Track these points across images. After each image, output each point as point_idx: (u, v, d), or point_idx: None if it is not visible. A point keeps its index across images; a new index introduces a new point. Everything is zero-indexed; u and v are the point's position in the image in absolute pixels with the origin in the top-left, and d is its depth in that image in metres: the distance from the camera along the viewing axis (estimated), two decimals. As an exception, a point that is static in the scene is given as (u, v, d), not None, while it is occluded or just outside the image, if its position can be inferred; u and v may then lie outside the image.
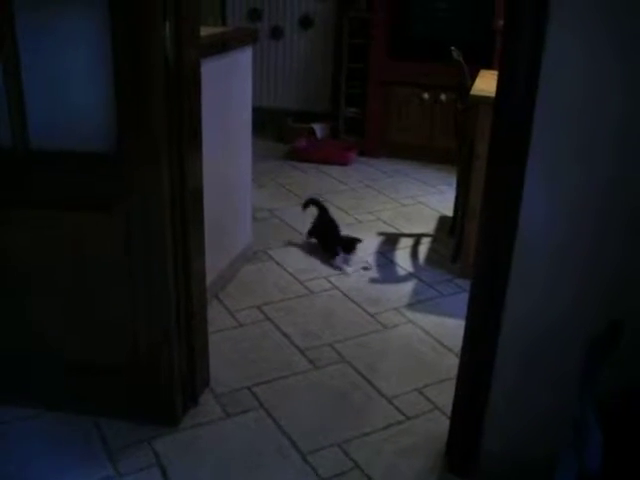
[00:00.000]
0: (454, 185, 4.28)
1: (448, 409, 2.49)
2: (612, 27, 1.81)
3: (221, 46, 3.13)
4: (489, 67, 4.36)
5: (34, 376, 2.55)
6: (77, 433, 2.47)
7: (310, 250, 4.05)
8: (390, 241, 4.24)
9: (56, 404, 2.55)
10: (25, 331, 2.50)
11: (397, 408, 2.69)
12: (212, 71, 2.85)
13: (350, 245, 3.88)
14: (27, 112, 2.20)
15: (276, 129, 6.20)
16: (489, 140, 2.07)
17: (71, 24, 2.13)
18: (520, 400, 2.22)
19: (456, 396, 2.38)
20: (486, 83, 3.61)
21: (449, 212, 4.48)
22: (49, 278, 2.40)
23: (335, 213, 4.27)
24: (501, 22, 4.73)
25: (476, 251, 2.19)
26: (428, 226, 4.50)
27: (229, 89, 3.36)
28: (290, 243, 4.11)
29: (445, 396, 2.65)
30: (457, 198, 4.19)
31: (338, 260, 3.84)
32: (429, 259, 4.03)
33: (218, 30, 3.54)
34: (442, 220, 4.58)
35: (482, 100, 3.38)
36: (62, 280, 2.40)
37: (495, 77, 2.03)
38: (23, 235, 2.36)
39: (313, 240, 4.10)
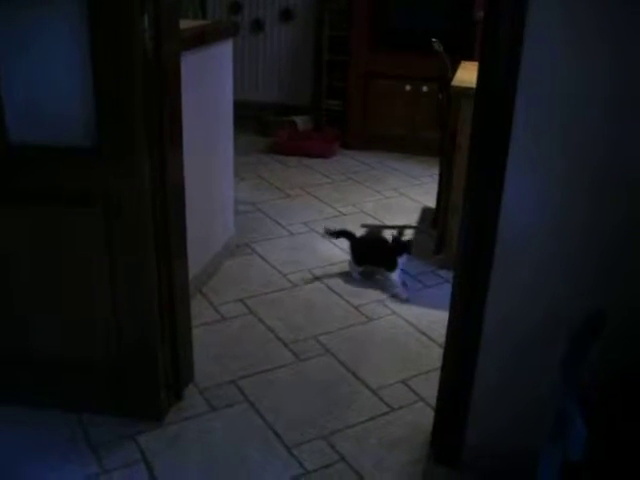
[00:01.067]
0: (437, 177, 4.29)
1: (433, 400, 2.50)
2: (594, 11, 1.81)
3: (201, 39, 3.11)
4: (470, 58, 4.36)
5: (15, 374, 2.53)
6: (61, 431, 2.46)
7: (294, 243, 4.04)
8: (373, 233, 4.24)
9: (38, 402, 2.53)
10: (6, 328, 2.48)
11: (382, 400, 2.70)
12: (192, 64, 2.84)
13: (405, 245, 3.62)
14: (4, 106, 2.17)
15: (257, 122, 6.19)
16: (470, 131, 2.07)
17: (48, 16, 2.11)
18: (504, 391, 2.23)
19: (440, 388, 2.38)
20: (467, 74, 3.61)
21: (432, 204, 4.49)
22: (28, 273, 2.38)
23: (318, 206, 4.27)
24: (481, 13, 4.76)
25: (458, 243, 2.19)
26: (411, 218, 4.50)
27: (210, 82, 3.34)
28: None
29: (430, 387, 2.66)
30: (440, 190, 4.19)
31: (399, 286, 3.57)
32: (412, 251, 4.02)
33: (198, 23, 3.53)
34: (425, 212, 4.59)
35: (463, 91, 3.39)
36: (41, 276, 2.38)
37: (476, 68, 2.03)
38: (2, 229, 2.34)
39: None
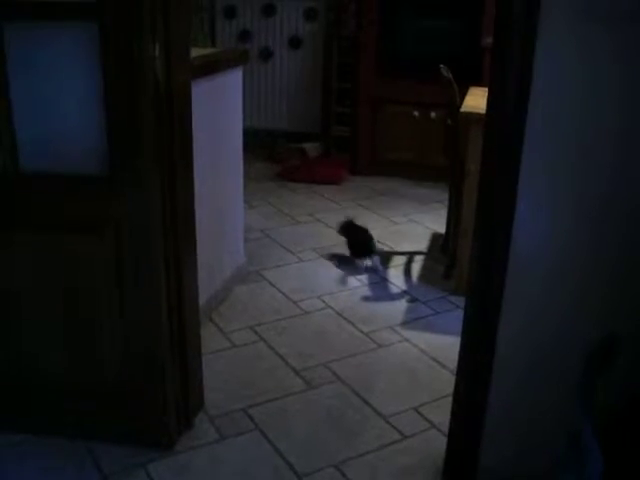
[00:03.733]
0: (446, 202, 4.28)
1: (445, 427, 2.47)
2: (604, 37, 1.81)
3: (211, 67, 3.13)
4: (478, 84, 4.37)
5: (24, 401, 2.52)
6: (70, 459, 2.44)
7: (303, 270, 4.04)
8: (383, 259, 4.23)
9: (47, 430, 2.52)
10: (15, 356, 2.48)
11: (393, 427, 2.67)
12: (203, 92, 2.85)
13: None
14: (17, 135, 2.19)
15: (267, 150, 6.21)
16: (481, 157, 2.07)
17: (61, 46, 2.13)
18: (517, 416, 2.21)
19: (453, 414, 2.36)
20: (476, 100, 3.62)
21: (441, 230, 4.48)
22: (39, 301, 2.38)
23: (327, 232, 4.27)
24: (489, 39, 4.78)
25: (470, 269, 2.18)
26: (421, 244, 4.50)
27: (220, 110, 3.36)
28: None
29: (442, 414, 2.64)
30: (449, 215, 4.19)
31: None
32: (422, 277, 4.02)
33: (208, 51, 3.55)
34: (435, 237, 4.58)
35: (472, 117, 3.39)
36: (52, 304, 2.38)
37: (485, 94, 2.04)
38: (12, 258, 2.35)
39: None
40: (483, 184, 2.07)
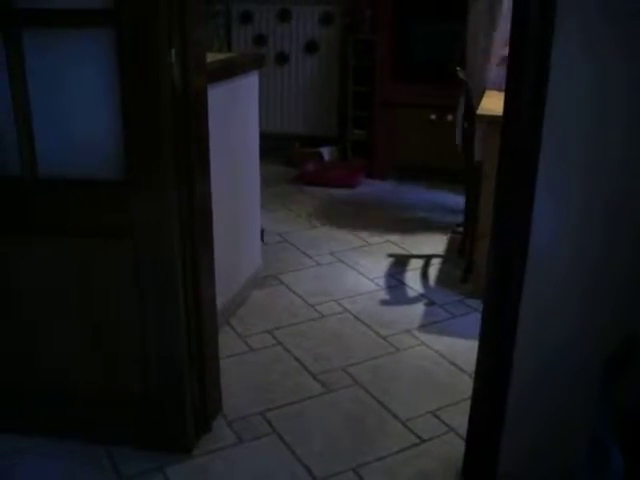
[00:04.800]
0: (463, 205, 4.27)
1: (463, 431, 2.46)
2: (619, 37, 1.80)
3: (228, 72, 3.14)
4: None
5: (43, 406, 2.53)
6: (89, 462, 2.45)
7: (321, 273, 4.04)
8: (400, 263, 4.23)
9: (66, 433, 2.53)
10: (34, 360, 2.49)
11: (412, 431, 2.66)
12: (219, 97, 2.86)
13: None
14: (35, 140, 2.21)
15: (284, 154, 6.22)
16: (498, 160, 2.06)
17: (79, 53, 2.15)
18: (535, 419, 2.20)
19: (471, 418, 2.35)
20: (492, 103, 3.61)
21: (458, 232, 4.47)
22: (57, 306, 2.40)
23: (344, 236, 4.27)
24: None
25: (487, 272, 2.17)
26: (437, 247, 4.49)
27: (236, 114, 3.36)
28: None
29: (460, 418, 2.62)
30: (466, 218, 4.18)
31: None
32: (439, 280, 4.01)
33: (224, 56, 3.56)
34: (451, 240, 4.56)
35: (489, 120, 3.38)
36: (69, 307, 2.39)
37: (501, 97, 2.03)
38: (30, 261, 2.36)
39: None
40: (500, 187, 2.06)
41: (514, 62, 1.93)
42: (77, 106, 2.20)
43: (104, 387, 2.48)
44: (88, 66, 2.16)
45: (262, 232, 4.01)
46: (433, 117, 5.59)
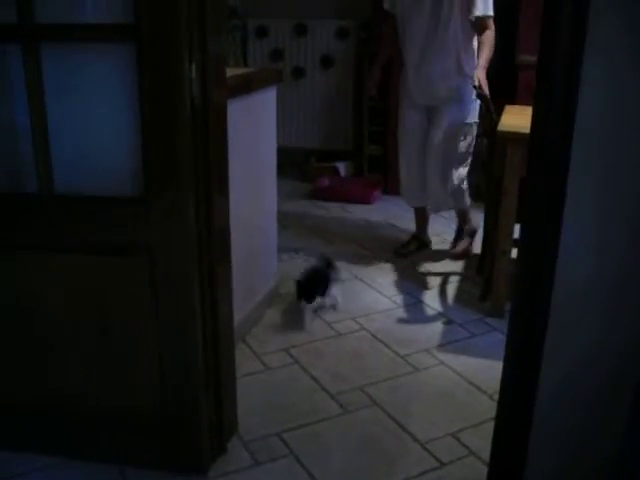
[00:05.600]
0: (481, 222, 4.22)
1: (484, 454, 2.41)
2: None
3: (246, 87, 3.12)
4: (512, 102, 4.33)
5: (51, 422, 2.49)
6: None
7: (338, 291, 3.99)
8: (418, 280, 4.17)
9: (79, 453, 2.50)
10: (48, 378, 2.46)
11: (431, 454, 2.61)
12: (237, 111, 2.83)
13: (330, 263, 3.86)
14: (52, 157, 2.18)
15: (299, 169, 6.19)
16: (525, 178, 2.01)
17: (98, 68, 2.13)
18: (564, 447, 2.14)
19: (494, 443, 2.28)
20: (513, 118, 3.57)
21: (477, 250, 4.41)
22: (71, 323, 2.36)
23: (360, 252, 4.24)
24: (524, 57, 4.72)
25: (513, 295, 2.12)
26: (456, 265, 4.43)
27: (254, 129, 3.34)
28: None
29: (480, 440, 2.58)
30: (485, 235, 4.13)
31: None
32: (458, 298, 3.95)
33: (242, 71, 3.53)
34: (470, 258, 4.51)
35: (511, 136, 3.34)
36: (84, 326, 2.36)
37: (521, 112, 1.98)
38: (45, 278, 2.33)
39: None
40: (527, 206, 2.01)
41: (543, 75, 1.88)
42: (95, 122, 2.18)
43: (119, 406, 2.44)
44: (107, 81, 2.14)
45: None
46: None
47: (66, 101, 2.16)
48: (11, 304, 2.39)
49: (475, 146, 4.27)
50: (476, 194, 4.58)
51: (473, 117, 4.11)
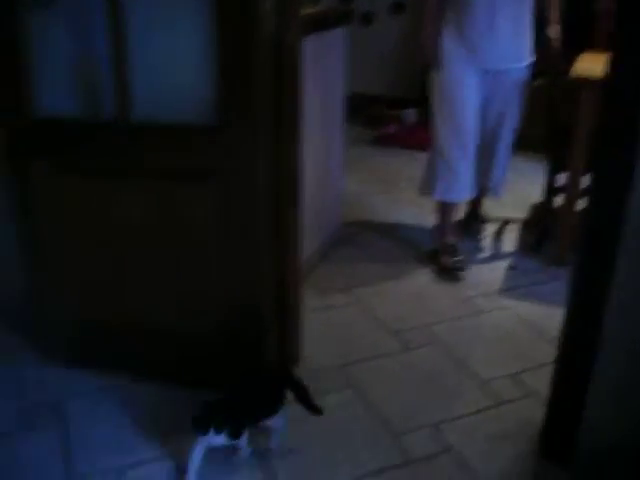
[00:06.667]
0: (541, 172, 4.17)
1: (542, 395, 2.44)
2: None
3: (319, 25, 3.12)
4: (588, 50, 4.22)
5: (127, 344, 2.61)
6: (171, 402, 2.51)
7: (398, 234, 4.02)
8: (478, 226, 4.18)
9: (146, 373, 2.61)
10: (123, 295, 2.56)
11: (490, 392, 2.65)
12: (309, 50, 2.84)
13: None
14: (131, 85, 2.22)
15: (364, 114, 6.17)
16: (597, 123, 2.00)
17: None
18: (623, 390, 2.14)
19: (554, 383, 2.31)
20: (587, 65, 3.49)
21: (537, 199, 4.37)
22: (147, 246, 2.44)
23: (422, 199, 4.25)
24: (601, 4, 4.58)
25: (580, 236, 2.11)
26: (517, 212, 4.41)
27: (325, 69, 3.35)
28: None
29: (540, 382, 2.59)
30: (548, 184, 4.08)
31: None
32: (520, 246, 3.95)
33: (314, 9, 3.52)
34: (531, 206, 4.47)
35: (583, 82, 3.28)
36: (161, 249, 2.44)
37: (596, 58, 1.95)
38: (124, 201, 2.40)
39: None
40: (598, 154, 1.99)
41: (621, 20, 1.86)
42: (173, 52, 2.22)
43: (188, 331, 2.53)
44: (185, 12, 2.17)
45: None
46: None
47: (145, 31, 2.19)
48: (92, 226, 2.48)
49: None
50: (527, 145, 4.46)
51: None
